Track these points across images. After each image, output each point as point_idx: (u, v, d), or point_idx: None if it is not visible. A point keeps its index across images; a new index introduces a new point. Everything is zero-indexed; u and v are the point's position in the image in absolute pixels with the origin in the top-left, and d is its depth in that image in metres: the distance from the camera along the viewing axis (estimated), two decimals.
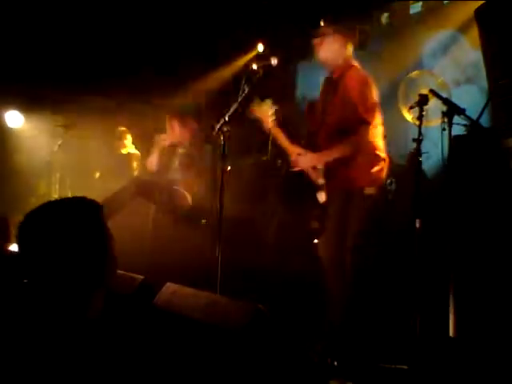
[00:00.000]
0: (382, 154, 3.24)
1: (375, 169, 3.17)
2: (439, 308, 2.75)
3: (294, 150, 3.23)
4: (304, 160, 3.19)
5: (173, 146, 4.90)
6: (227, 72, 6.31)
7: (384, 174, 3.26)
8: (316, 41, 3.26)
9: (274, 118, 3.21)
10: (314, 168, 3.24)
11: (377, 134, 3.23)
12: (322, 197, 3.24)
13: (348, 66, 3.22)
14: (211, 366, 1.91)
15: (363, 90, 3.07)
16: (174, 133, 4.87)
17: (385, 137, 3.29)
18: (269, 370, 1.83)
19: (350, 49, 3.26)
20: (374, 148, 3.19)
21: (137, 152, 5.90)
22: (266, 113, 3.22)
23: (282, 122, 3.40)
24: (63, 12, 5.42)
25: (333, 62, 3.25)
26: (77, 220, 1.15)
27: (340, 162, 3.14)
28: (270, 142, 3.49)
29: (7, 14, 5.17)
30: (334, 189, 3.21)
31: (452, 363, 2.57)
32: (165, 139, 4.87)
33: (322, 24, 3.30)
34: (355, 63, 3.27)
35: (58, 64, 5.55)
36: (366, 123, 3.05)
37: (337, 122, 3.19)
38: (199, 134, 4.87)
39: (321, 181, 3.26)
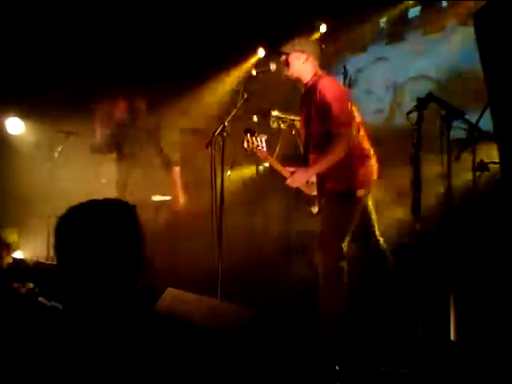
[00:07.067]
0: (370, 154, 3.27)
1: (364, 170, 3.20)
2: (440, 312, 2.75)
3: (287, 171, 3.29)
4: (297, 178, 3.25)
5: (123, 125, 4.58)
6: (228, 78, 6.30)
7: (374, 174, 3.28)
8: (281, 59, 3.38)
9: (265, 148, 3.30)
10: (307, 182, 3.33)
11: (361, 135, 3.28)
12: (314, 209, 3.36)
13: (317, 78, 3.31)
14: (211, 370, 1.91)
15: (336, 96, 3.16)
16: (119, 107, 4.59)
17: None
18: (268, 372, 1.84)
19: (314, 62, 3.35)
20: (360, 149, 3.23)
21: None
22: (258, 145, 3.30)
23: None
24: (63, 17, 5.43)
25: (301, 77, 3.36)
26: (116, 219, 1.20)
27: (330, 168, 3.18)
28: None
29: (6, 19, 5.18)
30: (326, 193, 3.25)
31: (453, 367, 2.57)
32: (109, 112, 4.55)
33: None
34: (323, 73, 3.36)
35: (59, 70, 5.56)
36: (345, 126, 3.10)
37: (319, 131, 3.26)
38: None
39: (314, 193, 3.35)
